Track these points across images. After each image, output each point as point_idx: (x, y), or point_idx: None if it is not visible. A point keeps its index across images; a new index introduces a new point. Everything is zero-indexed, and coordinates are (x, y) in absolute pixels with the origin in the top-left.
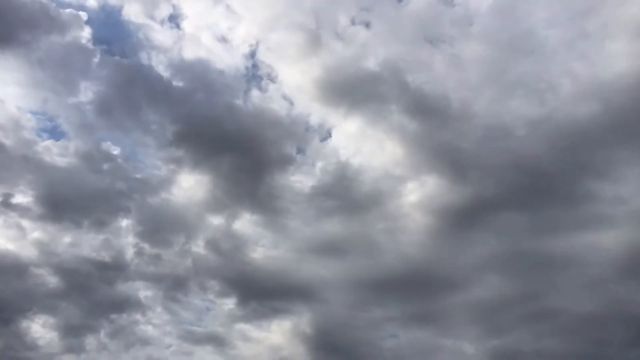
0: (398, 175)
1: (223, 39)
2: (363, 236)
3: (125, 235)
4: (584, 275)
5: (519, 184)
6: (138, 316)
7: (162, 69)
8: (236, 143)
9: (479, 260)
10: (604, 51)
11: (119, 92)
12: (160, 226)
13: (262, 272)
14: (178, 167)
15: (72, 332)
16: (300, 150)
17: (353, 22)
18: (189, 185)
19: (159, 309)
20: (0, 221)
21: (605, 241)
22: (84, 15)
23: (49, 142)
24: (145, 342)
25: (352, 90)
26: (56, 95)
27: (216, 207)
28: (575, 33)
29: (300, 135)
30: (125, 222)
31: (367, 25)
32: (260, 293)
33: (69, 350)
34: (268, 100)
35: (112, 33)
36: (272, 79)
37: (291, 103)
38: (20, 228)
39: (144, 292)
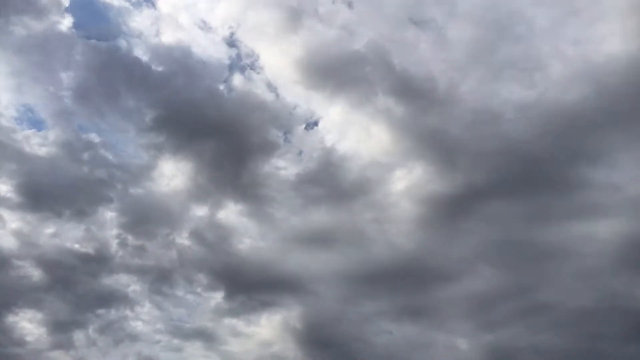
0: (385, 162)
1: (202, 21)
2: (351, 225)
3: (108, 227)
4: (578, 266)
5: (509, 170)
6: (127, 312)
7: (140, 53)
8: (218, 128)
9: (470, 251)
10: (594, 31)
11: (98, 78)
12: (143, 216)
13: (249, 264)
14: (159, 153)
15: (60, 328)
16: (284, 136)
17: (334, 1)
18: (171, 173)
19: (146, 304)
20: None
21: (600, 231)
22: (65, 1)
23: (28, 131)
24: (134, 338)
25: (335, 72)
26: (34, 82)
27: (199, 196)
28: (565, 12)
29: (283, 120)
30: (107, 212)
31: (350, 5)
32: (248, 286)
33: (58, 346)
34: (250, 84)
35: (91, 17)
36: (254, 62)
37: (274, 87)
38: None
39: (130, 285)
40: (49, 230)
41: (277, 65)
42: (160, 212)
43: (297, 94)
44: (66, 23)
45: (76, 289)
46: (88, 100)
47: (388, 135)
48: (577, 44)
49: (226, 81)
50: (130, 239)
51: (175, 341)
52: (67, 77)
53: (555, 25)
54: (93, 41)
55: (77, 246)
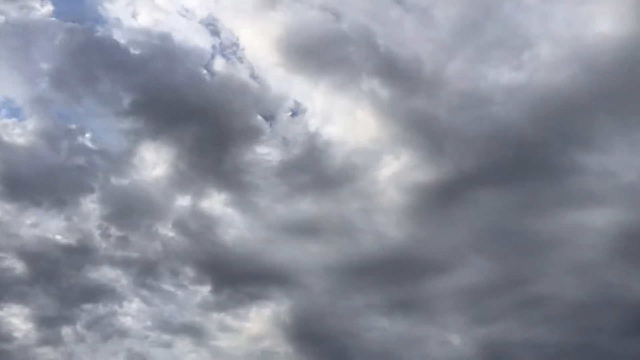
0: (371, 148)
1: (180, 3)
2: (338, 215)
3: (90, 217)
4: (573, 257)
5: (499, 156)
6: (115, 307)
7: (119, 36)
8: (199, 113)
9: (461, 241)
10: (585, 10)
11: (75, 62)
12: (125, 206)
13: (235, 255)
14: (139, 138)
15: (48, 323)
16: (267, 121)
17: None
18: (152, 160)
19: (134, 299)
20: None
21: (595, 220)
22: None
23: (7, 120)
24: (123, 333)
25: (317, 53)
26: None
27: (182, 184)
28: None
29: (266, 104)
30: (88, 202)
31: None
32: (235, 278)
33: (46, 342)
34: (230, 67)
35: (70, 3)
36: (234, 44)
37: (255, 73)
38: None
39: (116, 279)
40: (29, 220)
41: (258, 47)
42: (142, 201)
43: (279, 77)
44: (44, 11)
45: (60, 282)
46: (65, 85)
47: (373, 119)
48: (567, 23)
49: (207, 65)
50: (113, 229)
51: (165, 337)
52: (44, 64)
53: (544, 4)
54: (69, 23)
55: (58, 237)
